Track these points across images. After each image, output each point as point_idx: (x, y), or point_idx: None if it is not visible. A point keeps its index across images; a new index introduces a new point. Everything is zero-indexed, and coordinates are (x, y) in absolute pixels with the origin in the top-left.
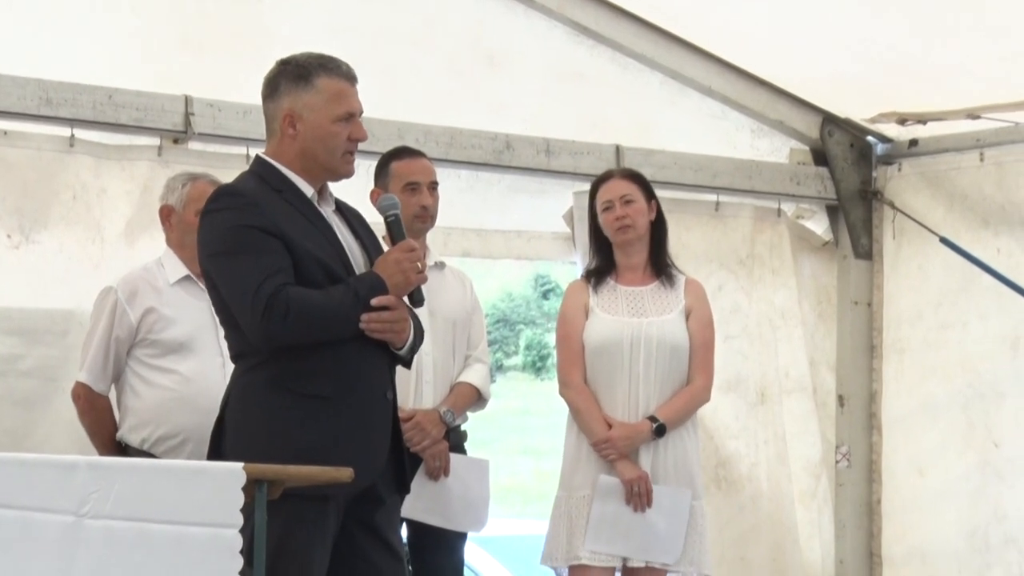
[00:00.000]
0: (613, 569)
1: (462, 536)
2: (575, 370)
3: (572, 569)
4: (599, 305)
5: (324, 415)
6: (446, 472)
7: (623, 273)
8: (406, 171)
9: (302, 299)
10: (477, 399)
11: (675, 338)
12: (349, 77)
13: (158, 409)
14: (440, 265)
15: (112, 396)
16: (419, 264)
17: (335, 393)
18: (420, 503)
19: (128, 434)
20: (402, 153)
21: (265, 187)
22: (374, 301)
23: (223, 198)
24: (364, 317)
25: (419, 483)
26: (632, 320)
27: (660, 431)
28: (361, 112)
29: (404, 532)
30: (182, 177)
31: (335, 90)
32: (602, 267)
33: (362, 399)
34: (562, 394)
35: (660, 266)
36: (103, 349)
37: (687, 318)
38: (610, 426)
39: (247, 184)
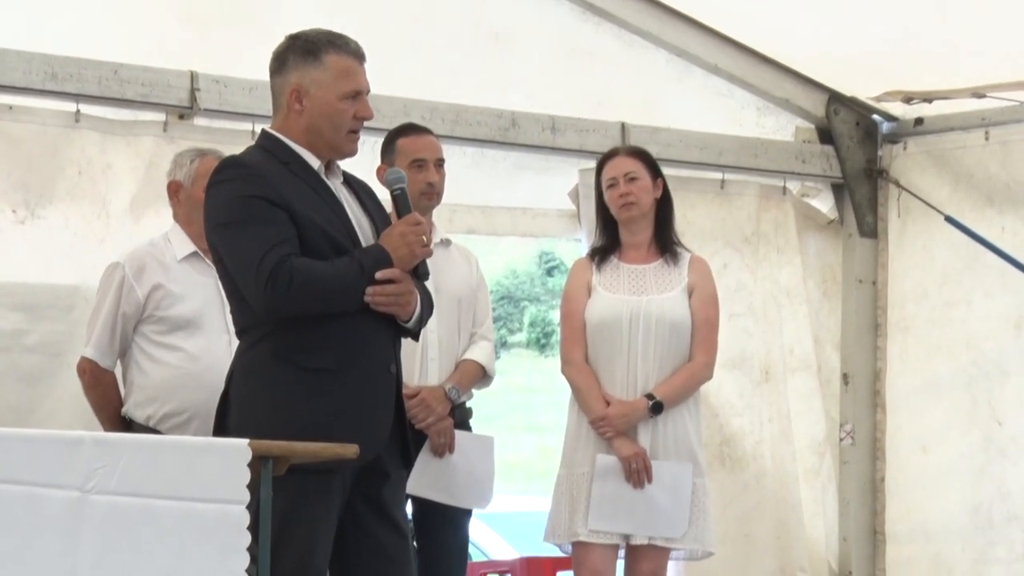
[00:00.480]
0: (616, 547)
1: (467, 512)
2: (576, 348)
3: (573, 547)
4: (601, 283)
5: (328, 389)
6: (451, 449)
7: (627, 251)
8: (412, 148)
9: (306, 269)
10: (482, 376)
11: (675, 315)
12: (357, 55)
13: (164, 386)
14: (446, 242)
15: (118, 371)
16: (424, 238)
17: (339, 366)
18: (425, 480)
19: (133, 410)
20: (408, 130)
21: (271, 159)
22: (379, 274)
23: (227, 169)
24: (369, 290)
25: (424, 460)
26: (632, 298)
27: (657, 408)
28: (368, 91)
29: (409, 508)
30: (190, 153)
31: (343, 67)
32: (607, 245)
33: (366, 372)
34: (563, 372)
35: (665, 244)
36: (110, 325)
37: (690, 295)
38: (608, 404)
39: (252, 156)
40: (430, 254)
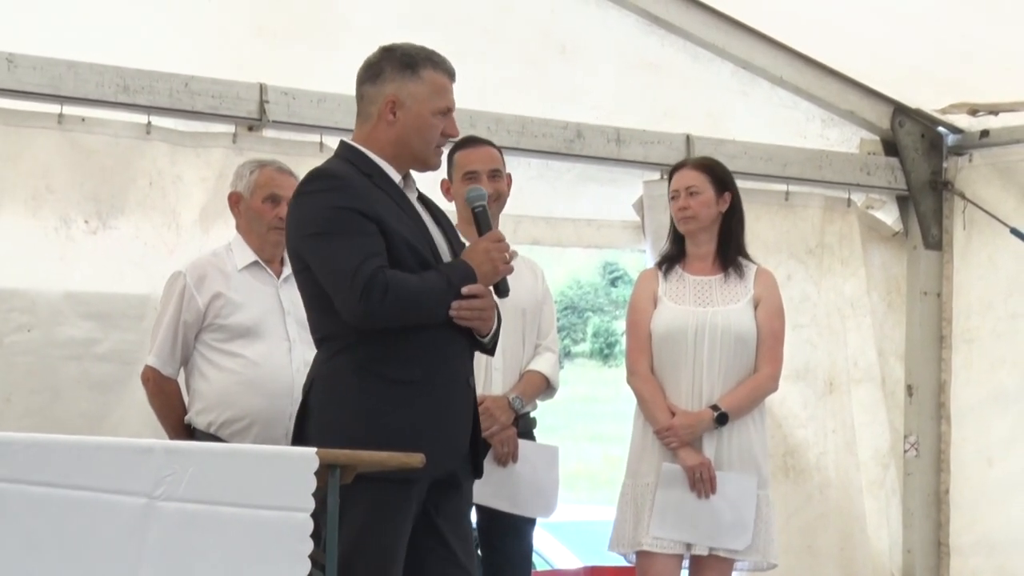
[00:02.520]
0: (680, 557)
1: (531, 522)
2: (642, 358)
3: (637, 556)
4: (667, 294)
5: (413, 400)
6: (514, 458)
7: (692, 262)
8: (464, 161)
9: (399, 282)
10: (546, 388)
11: (740, 327)
12: (451, 74)
13: (225, 393)
14: (512, 254)
15: (181, 380)
16: (507, 255)
17: (423, 379)
18: (489, 488)
19: (195, 417)
20: (465, 143)
21: (355, 171)
22: (465, 289)
23: (317, 180)
24: (455, 304)
25: (488, 469)
26: (697, 309)
27: (722, 420)
28: (454, 109)
29: (474, 517)
30: (250, 164)
31: (439, 84)
32: (674, 255)
33: (447, 385)
34: (629, 382)
35: (729, 256)
36: (171, 333)
37: (755, 307)
38: (673, 414)
39: (340, 167)
40: (511, 271)
